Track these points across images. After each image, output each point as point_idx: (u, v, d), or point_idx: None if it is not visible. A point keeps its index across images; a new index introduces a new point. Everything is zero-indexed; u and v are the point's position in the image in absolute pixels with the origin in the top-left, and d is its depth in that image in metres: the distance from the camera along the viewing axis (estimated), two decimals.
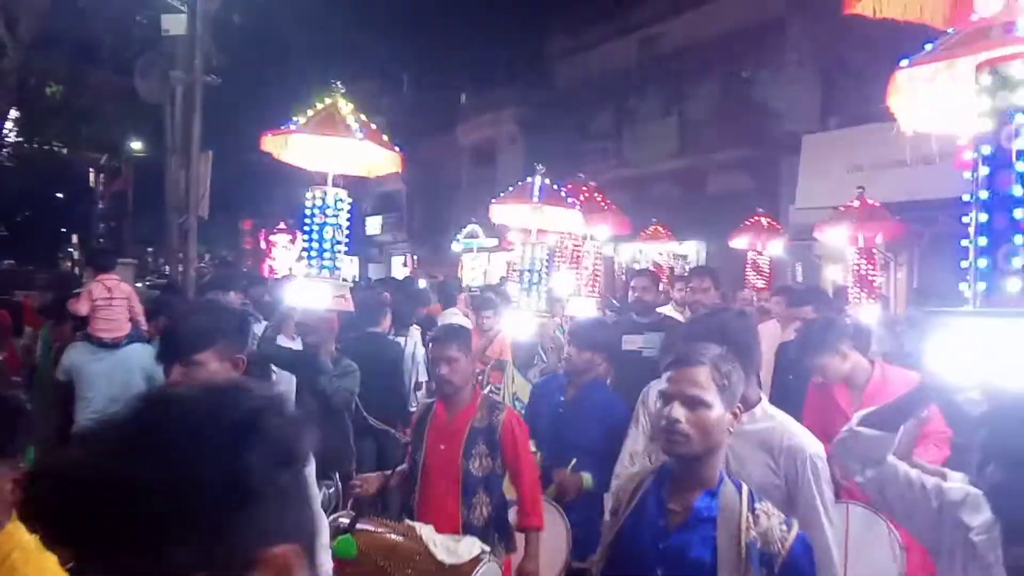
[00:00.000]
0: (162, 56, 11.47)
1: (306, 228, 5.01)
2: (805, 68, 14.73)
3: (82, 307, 5.85)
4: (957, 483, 2.11)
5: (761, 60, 15.75)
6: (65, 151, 21.89)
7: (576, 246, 8.18)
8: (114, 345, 5.42)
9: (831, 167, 12.90)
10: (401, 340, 6.35)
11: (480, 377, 5.53)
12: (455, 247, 23.55)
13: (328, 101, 4.91)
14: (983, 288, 2.12)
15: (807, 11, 13.81)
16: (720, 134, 16.34)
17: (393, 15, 23.47)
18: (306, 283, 4.83)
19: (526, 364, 5.78)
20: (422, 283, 11.53)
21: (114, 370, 5.16)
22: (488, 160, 24.65)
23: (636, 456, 3.69)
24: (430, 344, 3.71)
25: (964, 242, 2.27)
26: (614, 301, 9.97)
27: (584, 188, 8.42)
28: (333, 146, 4.83)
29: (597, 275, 8.22)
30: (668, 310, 6.67)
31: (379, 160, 5.18)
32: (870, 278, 7.31)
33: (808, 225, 9.87)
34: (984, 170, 2.13)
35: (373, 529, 2.98)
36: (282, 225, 18.48)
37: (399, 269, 29.53)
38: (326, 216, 4.94)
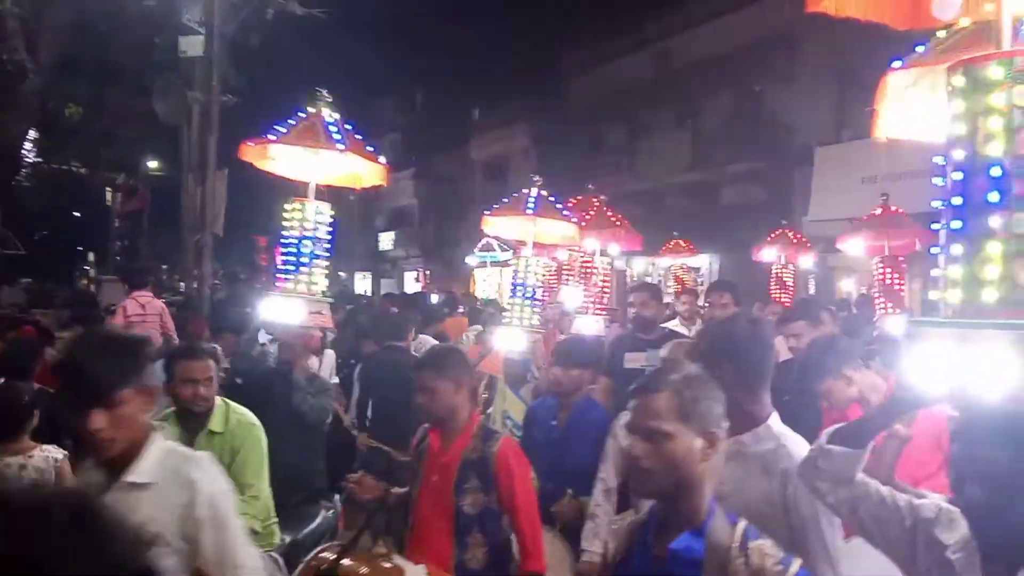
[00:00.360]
0: (180, 77, 11.64)
1: (284, 242, 4.84)
2: (818, 80, 14.73)
3: (118, 321, 6.54)
4: (928, 499, 2.01)
5: (774, 73, 15.77)
6: (83, 171, 22.18)
7: (585, 261, 8.05)
8: None
9: (845, 179, 12.88)
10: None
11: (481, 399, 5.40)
12: (470, 260, 23.62)
13: (312, 110, 4.74)
14: (959, 298, 2.03)
15: (819, 23, 13.82)
16: (733, 147, 16.34)
17: (406, 33, 23.72)
18: (281, 299, 4.68)
19: (518, 381, 5.55)
20: (434, 298, 11.58)
21: None
22: (501, 175, 24.76)
23: (610, 493, 3.49)
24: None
25: (935, 250, 2.17)
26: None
27: (595, 201, 8.33)
28: (314, 156, 4.69)
29: (606, 291, 8.04)
30: (675, 325, 6.51)
31: (363, 171, 5.01)
32: (896, 287, 7.11)
33: (822, 237, 9.86)
34: (957, 175, 2.04)
35: (356, 571, 2.67)
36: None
37: (411, 284, 29.64)
38: (305, 229, 4.77)
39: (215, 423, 3.39)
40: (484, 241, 21.67)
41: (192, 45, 10.77)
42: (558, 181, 8.60)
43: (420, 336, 7.47)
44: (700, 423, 1.77)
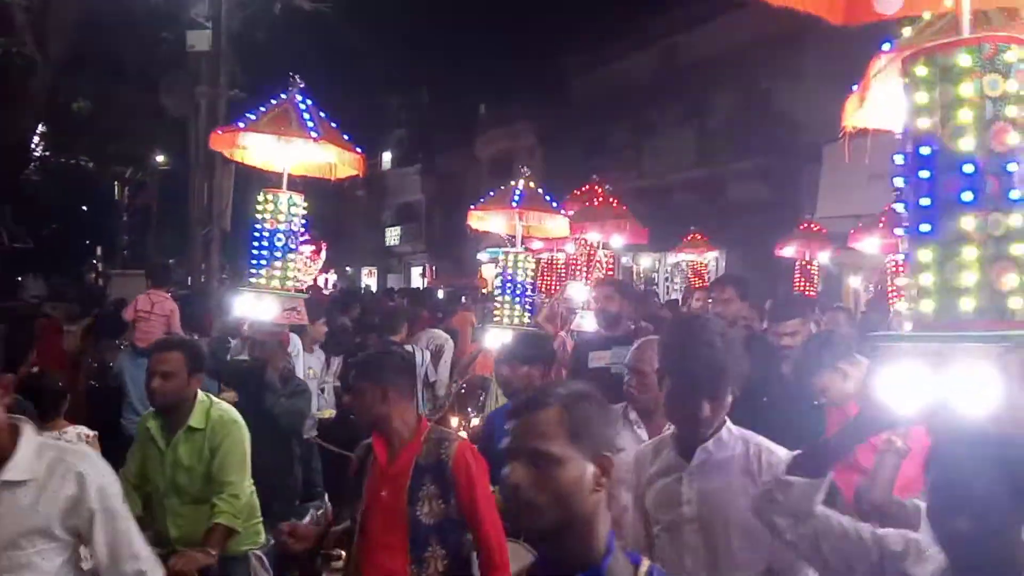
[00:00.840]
0: (187, 72, 11.67)
1: (255, 234, 4.62)
2: (826, 78, 14.66)
3: (128, 314, 6.67)
4: (892, 530, 1.88)
5: (780, 70, 15.71)
6: (91, 165, 22.26)
7: (588, 255, 7.79)
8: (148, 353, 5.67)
9: (853, 176, 12.81)
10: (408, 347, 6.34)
11: (448, 400, 5.17)
12: (481, 256, 23.66)
13: (284, 98, 4.54)
14: (931, 308, 1.87)
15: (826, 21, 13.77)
16: (739, 144, 16.30)
17: (413, 31, 23.72)
18: (253, 294, 4.46)
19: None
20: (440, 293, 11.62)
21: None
22: (506, 172, 24.72)
23: None
24: None
25: (898, 257, 1.99)
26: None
27: (599, 191, 8.17)
28: (287, 145, 4.48)
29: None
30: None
31: (338, 160, 4.79)
32: None
33: (831, 234, 9.81)
34: (924, 174, 1.88)
35: None
36: (306, 235, 18.62)
37: (417, 279, 29.68)
38: (278, 221, 4.55)
39: (195, 419, 3.28)
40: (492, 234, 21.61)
41: (199, 40, 10.80)
42: (564, 177, 8.61)
43: (430, 330, 7.49)
44: (592, 446, 1.48)
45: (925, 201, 1.90)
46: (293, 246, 4.64)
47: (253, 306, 4.43)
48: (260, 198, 4.62)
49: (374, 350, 3.73)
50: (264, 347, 4.38)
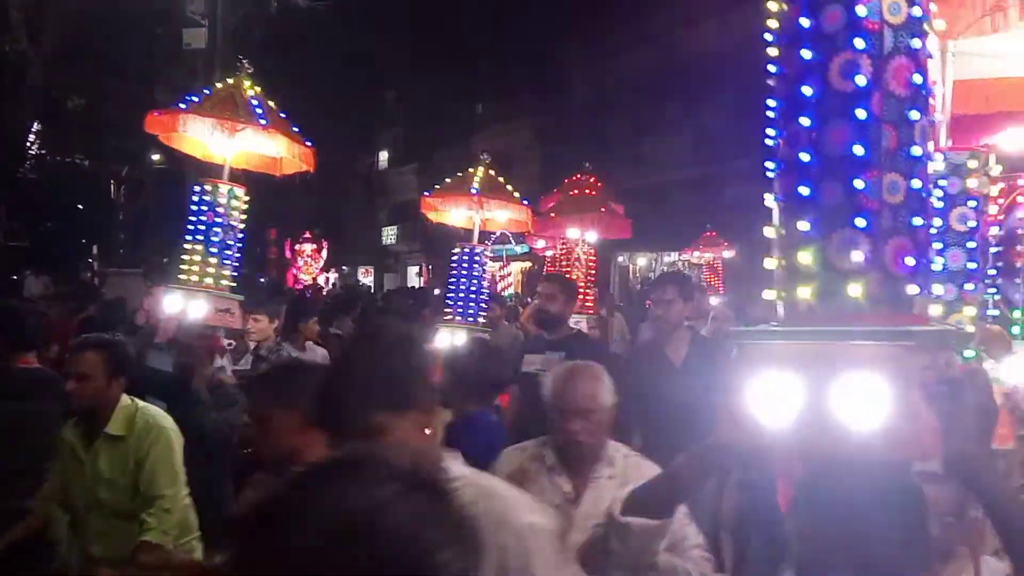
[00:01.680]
0: (183, 69, 11.63)
1: (190, 228, 4.28)
2: None
3: (139, 319, 6.45)
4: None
5: None
6: (87, 163, 22.20)
7: (564, 252, 7.40)
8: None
9: None
10: None
11: None
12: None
13: (231, 81, 4.23)
14: (810, 295, 1.47)
15: None
16: (738, 142, 16.29)
17: (410, 26, 23.67)
18: (183, 293, 4.12)
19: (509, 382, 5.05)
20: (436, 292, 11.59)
21: None
22: (504, 170, 24.72)
23: None
24: None
25: (768, 231, 1.58)
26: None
27: (592, 179, 7.90)
28: (230, 133, 4.14)
29: (590, 286, 7.29)
30: (644, 328, 5.73)
31: (285, 154, 4.46)
32: None
33: None
34: (805, 121, 1.50)
35: None
36: (308, 234, 18.57)
37: (414, 279, 29.64)
38: (216, 215, 4.22)
39: (114, 426, 2.93)
40: (499, 233, 21.63)
41: (196, 37, 10.76)
42: (560, 175, 8.57)
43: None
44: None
45: (805, 156, 1.49)
46: (231, 242, 4.30)
47: (182, 306, 4.07)
48: (197, 188, 4.28)
49: (282, 361, 3.28)
50: (192, 353, 3.91)
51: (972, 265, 2.89)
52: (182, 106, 4.13)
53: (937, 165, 2.70)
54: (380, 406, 1.38)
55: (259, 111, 4.12)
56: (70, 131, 19.68)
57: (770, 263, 1.58)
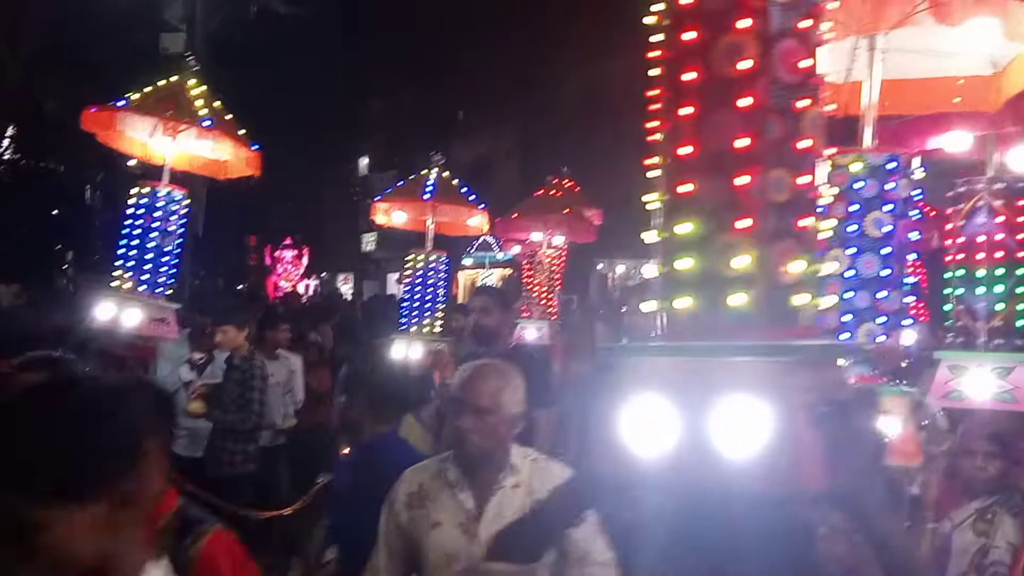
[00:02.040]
0: (161, 75, 11.57)
1: (125, 232, 4.10)
2: None
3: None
4: None
5: None
6: (62, 169, 21.95)
7: (528, 255, 7.23)
8: None
9: None
10: None
11: None
12: (465, 261, 23.64)
13: (174, 79, 4.08)
14: (688, 305, 1.30)
15: None
16: None
17: (391, 33, 23.68)
18: (116, 301, 3.94)
19: (419, 402, 4.56)
20: None
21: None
22: (484, 176, 24.76)
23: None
24: None
25: (649, 235, 1.46)
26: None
27: (568, 183, 7.85)
28: (171, 133, 3.98)
29: (551, 291, 7.07)
30: None
31: (230, 158, 4.32)
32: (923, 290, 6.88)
33: None
34: (687, 110, 1.42)
35: None
36: (288, 240, 18.47)
37: (394, 286, 29.54)
38: (153, 220, 4.06)
39: None
40: (480, 240, 21.66)
41: (174, 42, 10.70)
42: (540, 182, 8.59)
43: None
44: None
45: (686, 150, 1.36)
46: (169, 248, 4.14)
47: (115, 314, 3.88)
48: (134, 191, 4.12)
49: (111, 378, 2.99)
50: (122, 364, 3.77)
51: (885, 272, 2.76)
52: (120, 103, 3.93)
53: (855, 167, 2.73)
54: (36, 496, 0.99)
55: (203, 112, 3.98)
56: (45, 136, 19.47)
57: (650, 270, 1.46)
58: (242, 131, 4.20)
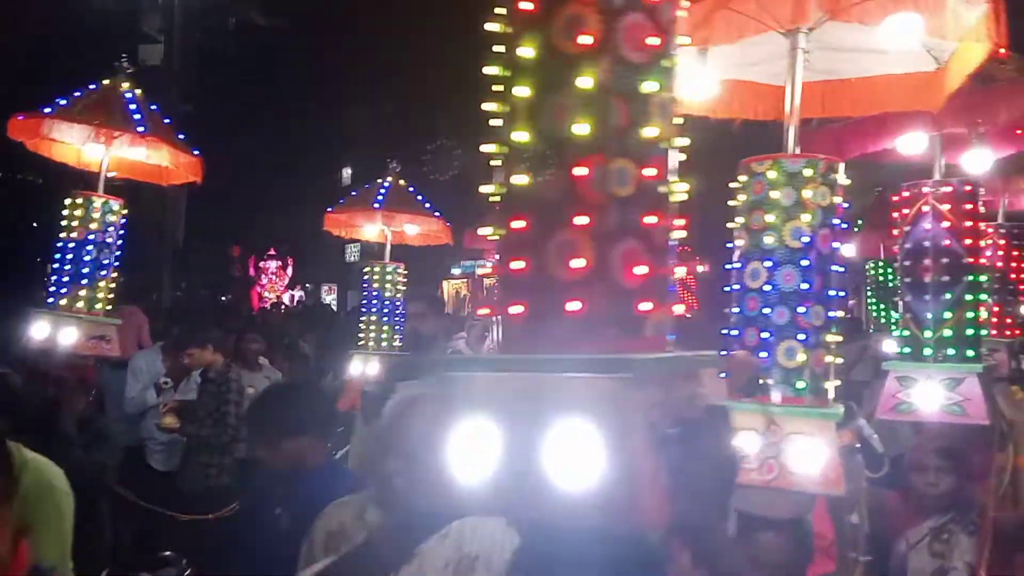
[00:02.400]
0: (139, 86, 11.51)
1: (59, 245, 3.92)
2: None
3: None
4: None
5: None
6: (41, 181, 21.75)
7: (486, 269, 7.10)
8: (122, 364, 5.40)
9: None
10: None
11: None
12: (455, 271, 23.64)
13: (107, 82, 3.92)
14: (528, 312, 1.16)
15: None
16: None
17: (373, 46, 23.70)
18: (50, 320, 3.71)
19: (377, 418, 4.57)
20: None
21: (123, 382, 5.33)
22: (467, 187, 24.78)
23: None
24: None
25: (485, 230, 1.28)
26: None
27: None
28: (105, 140, 3.81)
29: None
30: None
31: (169, 164, 4.15)
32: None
33: None
34: (523, 90, 1.26)
35: None
36: (272, 251, 18.39)
37: None
38: (89, 230, 3.85)
39: None
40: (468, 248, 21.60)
41: (152, 54, 10.64)
42: None
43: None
44: None
45: (520, 135, 1.22)
46: (107, 261, 3.92)
47: (51, 332, 3.67)
48: (68, 202, 3.94)
49: None
50: (59, 385, 3.51)
51: (805, 286, 2.53)
52: (47, 110, 3.77)
53: (772, 174, 2.57)
54: None
55: (137, 116, 3.79)
56: (24, 148, 19.30)
57: (487, 272, 1.34)
58: (180, 136, 4.06)
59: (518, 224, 1.18)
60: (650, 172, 1.20)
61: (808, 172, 2.56)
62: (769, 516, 2.12)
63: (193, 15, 11.12)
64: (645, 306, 1.16)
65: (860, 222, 7.20)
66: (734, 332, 2.64)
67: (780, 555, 2.08)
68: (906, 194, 3.63)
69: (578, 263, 1.11)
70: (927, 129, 3.64)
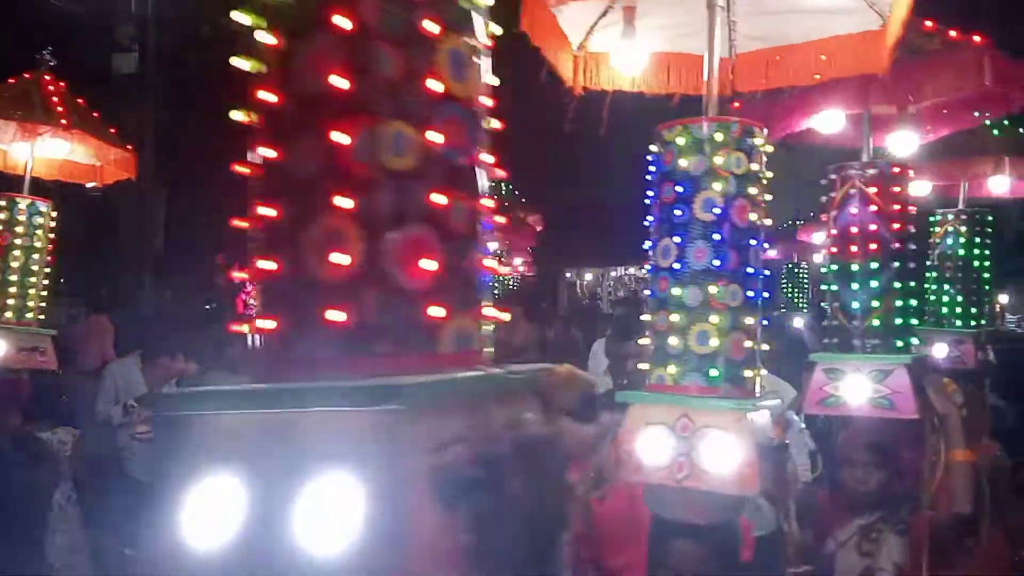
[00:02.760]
0: (114, 94, 11.38)
1: None
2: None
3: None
4: None
5: None
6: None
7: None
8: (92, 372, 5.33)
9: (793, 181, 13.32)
10: None
11: None
12: None
13: (27, 76, 3.69)
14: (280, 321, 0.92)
15: None
16: None
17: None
18: None
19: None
20: None
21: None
22: None
23: None
24: None
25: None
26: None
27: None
28: (28, 135, 3.53)
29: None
30: None
31: (99, 161, 3.88)
32: None
33: None
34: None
35: None
36: None
37: None
38: (15, 234, 3.57)
39: None
40: None
41: (126, 63, 10.56)
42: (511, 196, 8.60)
43: None
44: None
45: (268, 95, 1.01)
46: (35, 267, 3.62)
47: None
48: None
49: None
50: None
51: (717, 263, 2.25)
52: None
53: (681, 140, 2.29)
54: None
55: (60, 109, 3.51)
56: None
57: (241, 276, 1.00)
58: (111, 129, 3.76)
59: (266, 211, 0.92)
60: (436, 138, 0.94)
61: (719, 136, 2.25)
62: (686, 521, 1.94)
63: (167, 23, 11.04)
64: (436, 311, 0.90)
65: None
66: (645, 317, 2.39)
67: (700, 565, 1.87)
68: (833, 177, 3.40)
69: (340, 258, 0.85)
70: (854, 106, 3.42)
